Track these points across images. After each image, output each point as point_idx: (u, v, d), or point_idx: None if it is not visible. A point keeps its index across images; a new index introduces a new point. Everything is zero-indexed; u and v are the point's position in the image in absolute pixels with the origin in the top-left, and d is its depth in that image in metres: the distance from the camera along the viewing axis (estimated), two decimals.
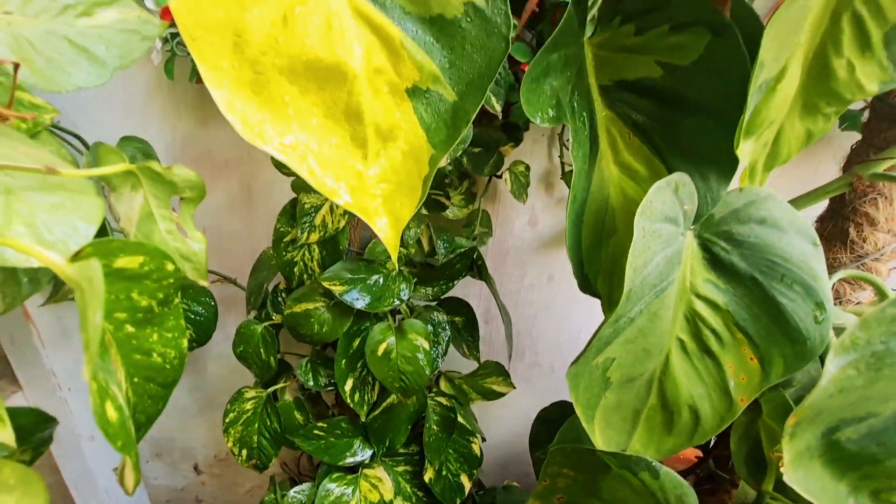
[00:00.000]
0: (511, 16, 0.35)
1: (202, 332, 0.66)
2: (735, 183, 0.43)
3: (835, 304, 0.51)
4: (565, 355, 0.95)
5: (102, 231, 0.33)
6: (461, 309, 0.66)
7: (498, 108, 0.59)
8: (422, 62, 0.36)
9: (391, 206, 0.37)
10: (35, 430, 0.43)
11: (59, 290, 0.50)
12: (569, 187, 0.77)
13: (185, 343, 0.34)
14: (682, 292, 0.43)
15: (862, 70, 0.36)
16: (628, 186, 0.44)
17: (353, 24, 0.35)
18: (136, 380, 0.30)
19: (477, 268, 0.65)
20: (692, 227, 0.42)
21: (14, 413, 0.27)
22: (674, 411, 0.44)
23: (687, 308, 0.43)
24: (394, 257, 0.36)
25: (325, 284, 0.50)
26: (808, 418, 0.29)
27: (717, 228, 0.42)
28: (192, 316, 0.64)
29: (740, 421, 0.48)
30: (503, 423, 0.98)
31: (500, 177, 0.73)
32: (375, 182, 0.37)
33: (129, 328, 0.28)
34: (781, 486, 0.43)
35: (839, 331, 0.46)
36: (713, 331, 0.42)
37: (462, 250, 0.61)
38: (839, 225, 0.47)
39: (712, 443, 0.63)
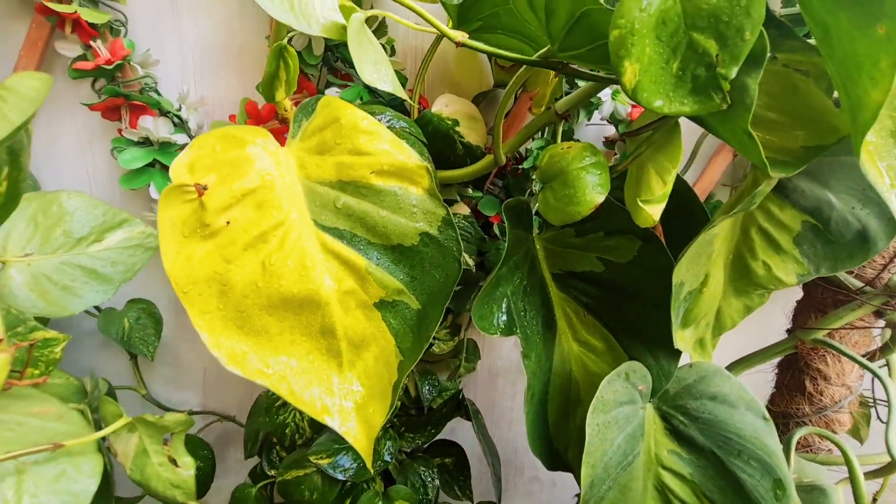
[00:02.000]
0: (461, 241, 0.40)
1: (201, 485, 0.67)
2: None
3: (805, 453, 0.52)
4: None
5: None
6: (450, 450, 0.68)
7: (471, 262, 0.64)
8: (386, 281, 0.40)
9: (364, 414, 0.40)
10: None
11: None
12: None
13: None
14: (648, 463, 0.45)
15: (778, 268, 0.40)
16: (589, 360, 0.47)
17: (323, 258, 0.40)
18: None
19: (464, 408, 0.67)
20: (651, 401, 0.45)
21: None
22: None
23: (655, 480, 0.45)
24: (369, 463, 0.39)
25: (313, 459, 0.52)
26: None
27: (673, 402, 0.44)
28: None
29: None
30: None
31: None
32: (349, 391, 0.40)
33: None
34: None
35: (811, 489, 0.47)
36: (682, 502, 0.44)
37: (448, 394, 0.64)
38: (796, 377, 0.50)
39: None
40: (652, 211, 0.28)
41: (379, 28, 0.58)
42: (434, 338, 0.71)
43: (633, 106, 0.61)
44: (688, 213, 0.46)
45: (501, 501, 0.72)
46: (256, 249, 0.38)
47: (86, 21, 0.52)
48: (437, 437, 0.67)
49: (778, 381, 0.52)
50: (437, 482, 0.60)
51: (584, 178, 0.31)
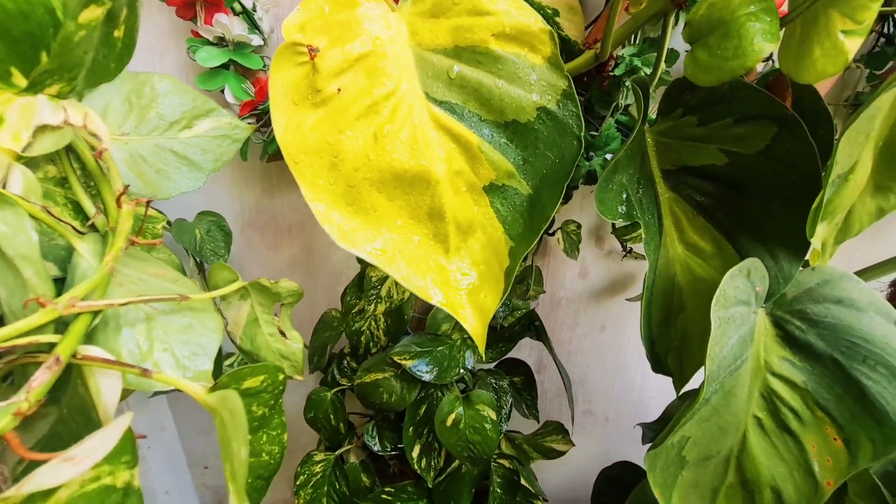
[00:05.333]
0: (582, 116, 0.37)
1: None
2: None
3: None
4: (620, 404, 0.94)
5: None
6: (519, 368, 0.67)
7: None
8: (497, 162, 0.38)
9: (475, 299, 0.39)
10: None
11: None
12: (619, 242, 0.77)
13: (285, 436, 0.36)
14: (756, 370, 0.43)
15: None
16: (695, 264, 0.45)
17: (436, 135, 0.37)
18: (249, 480, 0.33)
19: (534, 328, 0.66)
20: (763, 306, 0.43)
21: None
22: (754, 490, 0.43)
23: (762, 386, 0.43)
24: (481, 348, 0.38)
25: (396, 359, 0.52)
26: None
27: (790, 307, 0.42)
28: None
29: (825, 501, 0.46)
30: (557, 471, 0.97)
31: (553, 234, 0.74)
32: (459, 275, 0.39)
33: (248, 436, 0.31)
34: None
35: None
36: (791, 409, 0.42)
37: (521, 313, 0.63)
38: None
39: None
40: (852, 44, 0.25)
41: None
42: None
43: None
44: (808, 118, 0.42)
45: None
46: (368, 120, 0.36)
47: None
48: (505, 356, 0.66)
49: (891, 298, 0.49)
50: (510, 396, 0.60)
51: (752, 25, 0.28)
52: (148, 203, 0.34)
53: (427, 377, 0.52)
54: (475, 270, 0.39)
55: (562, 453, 0.68)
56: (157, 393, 0.54)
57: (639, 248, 0.77)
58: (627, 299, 0.83)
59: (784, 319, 0.42)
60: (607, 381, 0.91)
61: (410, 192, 0.37)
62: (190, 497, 0.93)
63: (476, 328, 0.37)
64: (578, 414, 0.94)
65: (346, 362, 0.65)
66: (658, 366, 0.45)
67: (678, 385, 0.46)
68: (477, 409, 0.53)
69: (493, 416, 0.53)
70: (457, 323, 0.62)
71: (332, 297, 0.83)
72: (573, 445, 0.70)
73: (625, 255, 0.78)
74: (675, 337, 0.45)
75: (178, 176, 0.46)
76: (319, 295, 0.83)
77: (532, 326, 0.66)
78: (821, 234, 0.39)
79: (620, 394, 0.91)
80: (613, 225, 0.75)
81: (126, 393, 0.39)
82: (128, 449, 0.26)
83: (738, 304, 0.39)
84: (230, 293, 0.35)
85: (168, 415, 0.85)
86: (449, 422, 0.52)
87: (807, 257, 0.43)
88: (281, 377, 0.32)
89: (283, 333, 0.37)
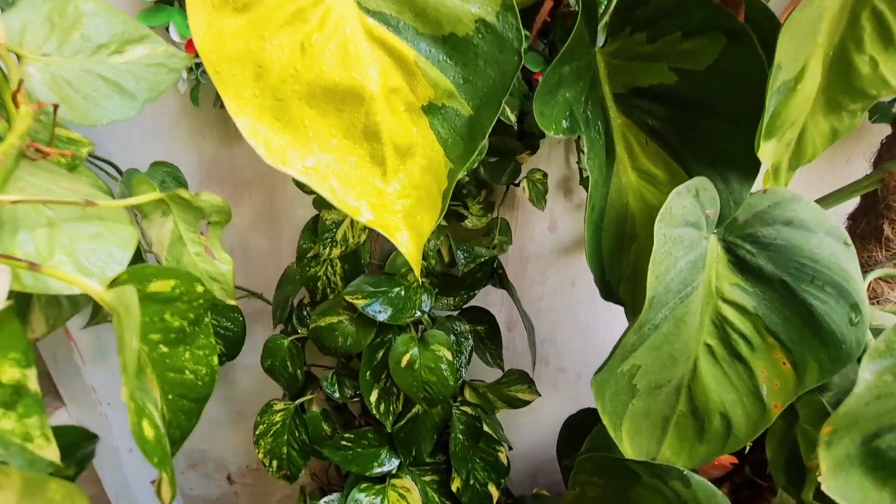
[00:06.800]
0: (522, 29, 0.36)
1: (232, 347, 0.68)
2: (759, 184, 0.42)
3: (872, 304, 0.49)
4: (591, 360, 0.94)
5: (138, 257, 0.35)
6: (483, 317, 0.66)
7: (513, 118, 0.60)
8: (436, 79, 0.36)
9: (412, 221, 0.38)
10: (78, 447, 0.45)
11: (98, 313, 0.52)
12: (587, 192, 0.76)
13: (215, 360, 0.35)
14: (707, 297, 0.42)
15: (886, 65, 0.35)
16: (647, 192, 0.43)
17: (368, 47, 0.35)
18: (170, 397, 0.32)
19: (497, 276, 0.65)
20: (715, 231, 0.42)
21: (58, 431, 0.28)
22: (704, 418, 0.43)
23: (714, 313, 0.42)
24: (416, 271, 0.37)
25: (348, 298, 0.51)
26: (844, 426, 0.29)
27: (741, 231, 0.41)
28: (222, 331, 0.66)
29: (777, 427, 0.46)
30: (530, 431, 0.98)
31: (518, 185, 0.73)
32: (395, 198, 0.38)
33: (163, 348, 0.30)
34: (823, 495, 0.42)
35: (878, 332, 0.44)
36: (742, 335, 0.41)
37: (482, 260, 0.62)
38: (873, 222, 0.46)
39: (748, 448, 0.61)
40: None
41: None
42: (468, 212, 0.68)
43: None
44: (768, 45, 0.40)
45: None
46: (294, 28, 0.34)
47: None
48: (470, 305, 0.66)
49: (849, 230, 0.49)
50: (470, 341, 0.60)
51: None
52: (56, 107, 0.32)
53: (382, 317, 0.51)
54: (414, 193, 0.37)
55: (526, 402, 0.68)
56: (91, 322, 0.52)
57: None
58: None
59: (735, 244, 0.41)
60: (578, 337, 0.90)
61: (343, 109, 0.36)
62: None
63: (411, 251, 0.36)
64: (551, 371, 0.94)
65: (305, 311, 0.64)
66: (609, 294, 0.44)
67: (630, 315, 0.45)
68: (432, 349, 0.52)
69: (450, 356, 0.52)
70: None
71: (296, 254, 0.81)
72: (538, 395, 0.70)
73: None
74: (627, 266, 0.44)
75: (109, 103, 0.43)
76: (284, 250, 0.81)
77: (495, 274, 0.65)
78: (770, 151, 0.38)
79: (591, 349, 0.91)
80: (581, 174, 0.74)
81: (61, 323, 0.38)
82: (16, 346, 0.24)
83: (686, 225, 0.38)
84: (148, 205, 0.33)
85: None
86: (404, 363, 0.51)
87: (760, 182, 0.42)
88: (200, 289, 0.30)
89: (211, 254, 0.36)
